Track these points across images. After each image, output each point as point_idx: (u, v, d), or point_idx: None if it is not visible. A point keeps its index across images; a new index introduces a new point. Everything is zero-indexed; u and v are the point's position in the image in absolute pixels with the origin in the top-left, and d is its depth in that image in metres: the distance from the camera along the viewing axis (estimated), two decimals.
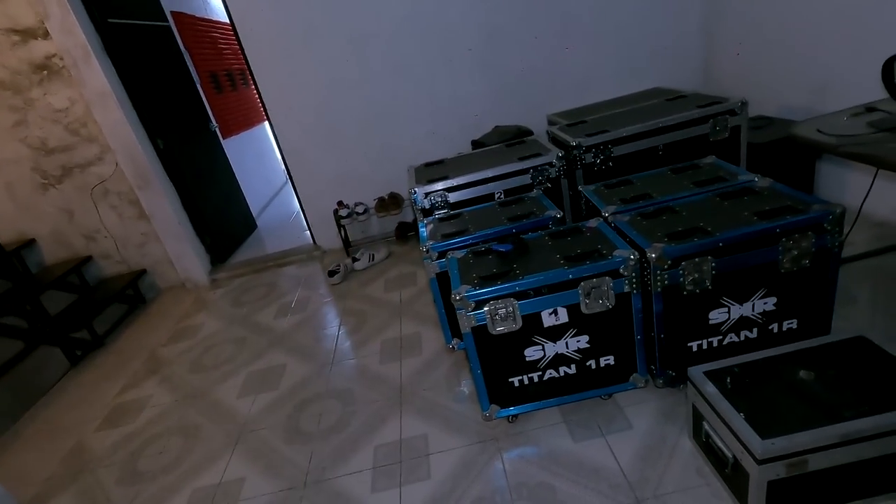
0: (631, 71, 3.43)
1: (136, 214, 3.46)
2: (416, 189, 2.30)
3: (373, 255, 3.32)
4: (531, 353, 1.60)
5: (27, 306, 2.89)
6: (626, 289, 1.52)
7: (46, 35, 2.96)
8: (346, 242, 3.57)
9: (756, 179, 1.74)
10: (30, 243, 3.43)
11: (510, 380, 1.64)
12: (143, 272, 3.62)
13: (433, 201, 2.31)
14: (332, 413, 2.04)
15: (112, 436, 2.24)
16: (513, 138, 2.98)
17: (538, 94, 3.46)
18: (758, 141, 2.46)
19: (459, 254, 1.78)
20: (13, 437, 2.40)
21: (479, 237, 1.89)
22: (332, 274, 3.18)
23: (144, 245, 3.58)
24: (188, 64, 4.16)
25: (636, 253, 1.49)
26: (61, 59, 3.01)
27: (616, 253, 1.51)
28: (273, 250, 4.00)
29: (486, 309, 1.52)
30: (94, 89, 3.05)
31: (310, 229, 3.74)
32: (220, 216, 4.00)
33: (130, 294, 3.54)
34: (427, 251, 1.90)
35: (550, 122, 3.24)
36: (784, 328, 1.58)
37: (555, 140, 2.60)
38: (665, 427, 1.60)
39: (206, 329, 3.03)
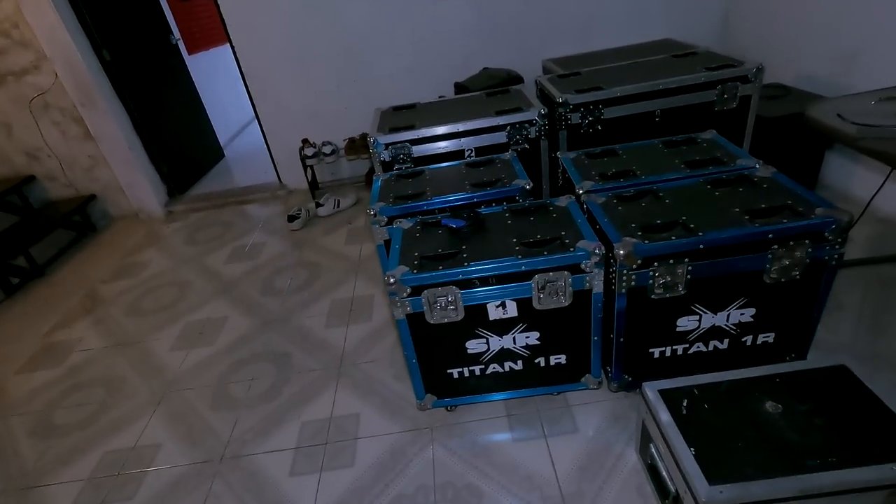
0: (642, 16, 3.04)
1: (81, 134, 3.15)
2: (376, 138, 2.03)
3: (338, 202, 3.07)
4: (473, 346, 1.42)
5: None
6: (587, 286, 1.32)
7: None
8: (313, 184, 3.30)
9: (757, 167, 1.50)
10: None
11: (449, 371, 1.48)
12: (91, 197, 3.36)
13: (394, 153, 2.04)
14: (265, 379, 1.89)
15: (33, 380, 2.09)
16: (500, 85, 2.65)
17: (536, 33, 3.07)
18: (768, 114, 2.18)
19: (407, 223, 1.55)
20: None
21: (434, 204, 1.65)
22: (291, 219, 2.94)
23: (93, 169, 3.29)
24: None
25: (602, 247, 1.28)
26: None
27: (580, 244, 1.30)
28: (241, 184, 3.73)
29: (423, 296, 1.32)
30: None
31: (275, 166, 3.45)
32: (179, 142, 3.68)
33: (78, 220, 3.29)
34: (374, 214, 1.67)
35: (545, 70, 2.90)
36: (759, 341, 1.41)
37: (542, 92, 2.30)
38: (612, 434, 1.46)
39: (152, 267, 2.83)
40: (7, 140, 3.14)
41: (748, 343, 1.41)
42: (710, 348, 1.42)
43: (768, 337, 1.40)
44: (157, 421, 1.78)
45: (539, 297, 1.33)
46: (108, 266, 2.92)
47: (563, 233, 1.37)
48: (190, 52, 4.13)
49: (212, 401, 1.83)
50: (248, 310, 2.31)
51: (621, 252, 1.24)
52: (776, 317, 1.36)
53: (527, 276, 1.30)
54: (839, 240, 1.23)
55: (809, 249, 1.24)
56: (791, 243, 1.23)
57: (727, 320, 1.36)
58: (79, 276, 2.88)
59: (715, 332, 1.39)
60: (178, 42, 3.87)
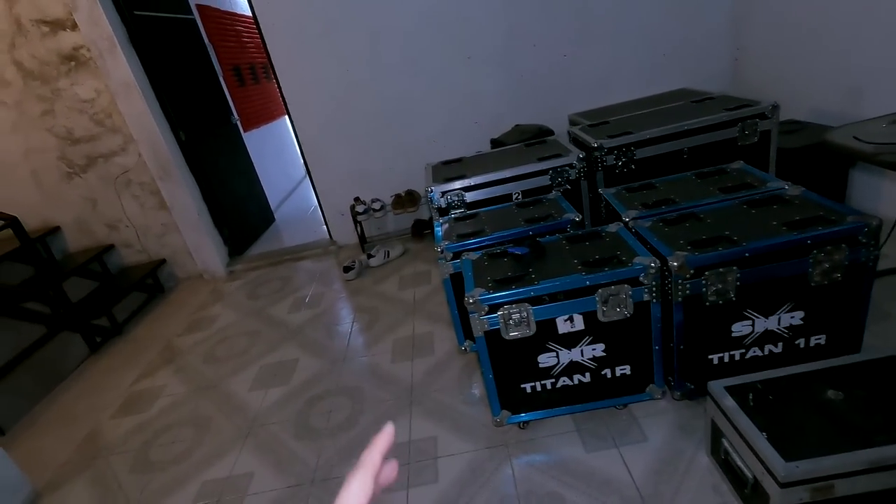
0: (655, 70, 3.34)
1: (156, 205, 3.51)
2: (432, 188, 2.28)
3: (388, 252, 3.31)
4: (545, 360, 1.56)
5: (50, 292, 2.94)
6: (646, 297, 1.47)
7: (75, 26, 3.00)
8: (362, 238, 3.56)
9: (786, 187, 1.67)
10: (54, 230, 3.50)
11: (522, 386, 1.61)
12: (162, 262, 3.67)
13: (449, 200, 2.28)
14: (341, 410, 2.03)
15: (126, 424, 2.27)
16: (532, 138, 2.93)
17: (559, 93, 3.39)
18: (789, 146, 2.37)
19: (474, 255, 1.75)
20: (31, 422, 2.45)
21: (495, 238, 1.85)
22: (346, 270, 3.17)
23: (164, 235, 3.63)
24: (212, 57, 4.20)
25: (657, 261, 1.44)
26: (88, 50, 3.05)
27: (636, 260, 1.46)
28: (290, 244, 4.02)
29: (499, 313, 1.48)
30: (119, 80, 3.09)
31: (326, 224, 3.74)
32: (238, 208, 4.04)
33: (150, 283, 3.59)
34: (442, 251, 1.87)
35: (572, 123, 3.18)
36: (812, 343, 1.51)
37: (575, 141, 2.55)
38: (681, 441, 1.55)
39: (221, 321, 3.06)
40: (92, 213, 3.51)
41: (801, 346, 1.52)
42: (766, 352, 1.53)
43: (820, 339, 1.51)
44: (247, 453, 1.92)
45: (603, 310, 1.48)
46: (180, 322, 3.16)
47: (618, 252, 1.54)
48: (245, 130, 4.59)
49: (295, 432, 1.97)
50: (317, 352, 2.49)
51: (675, 263, 1.40)
52: (825, 319, 1.48)
53: (591, 290, 1.46)
54: (872, 242, 1.37)
55: (847, 252, 1.38)
56: (829, 248, 1.38)
57: (779, 324, 1.48)
58: (154, 332, 3.12)
59: (769, 336, 1.50)
60: (237, 122, 4.34)
